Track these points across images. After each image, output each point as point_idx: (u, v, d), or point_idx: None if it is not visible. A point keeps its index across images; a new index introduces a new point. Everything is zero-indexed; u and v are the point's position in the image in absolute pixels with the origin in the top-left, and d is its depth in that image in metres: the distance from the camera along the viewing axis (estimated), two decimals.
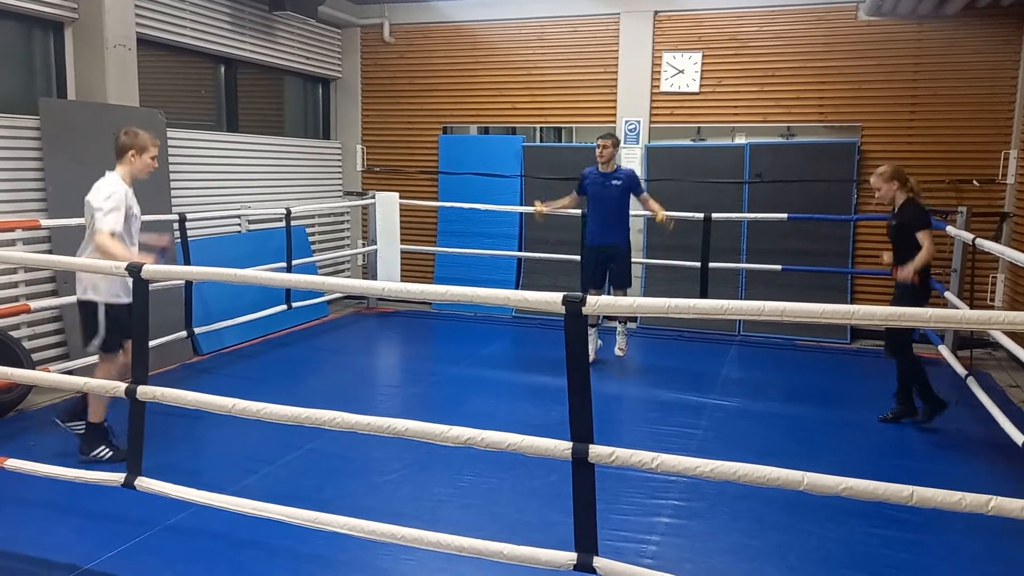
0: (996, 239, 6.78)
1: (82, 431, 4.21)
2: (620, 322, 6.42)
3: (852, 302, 7.51)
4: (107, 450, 4.18)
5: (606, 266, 6.24)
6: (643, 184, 6.40)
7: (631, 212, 6.34)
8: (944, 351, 6.05)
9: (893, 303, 5.02)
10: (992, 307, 7.13)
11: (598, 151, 6.12)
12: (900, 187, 4.83)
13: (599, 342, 6.53)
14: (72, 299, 4.79)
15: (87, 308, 4.08)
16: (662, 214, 6.09)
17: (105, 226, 3.89)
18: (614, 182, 6.12)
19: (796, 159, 7.68)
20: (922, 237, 4.69)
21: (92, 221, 3.98)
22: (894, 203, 4.90)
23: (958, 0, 6.51)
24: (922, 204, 4.88)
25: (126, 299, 4.11)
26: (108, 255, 3.85)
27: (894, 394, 5.07)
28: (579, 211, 6.88)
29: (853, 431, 4.95)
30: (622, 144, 8.09)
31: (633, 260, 6.54)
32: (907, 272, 4.67)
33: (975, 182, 7.19)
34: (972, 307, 6.18)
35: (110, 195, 3.96)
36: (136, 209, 4.14)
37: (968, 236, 5.38)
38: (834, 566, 3.29)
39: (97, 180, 4.08)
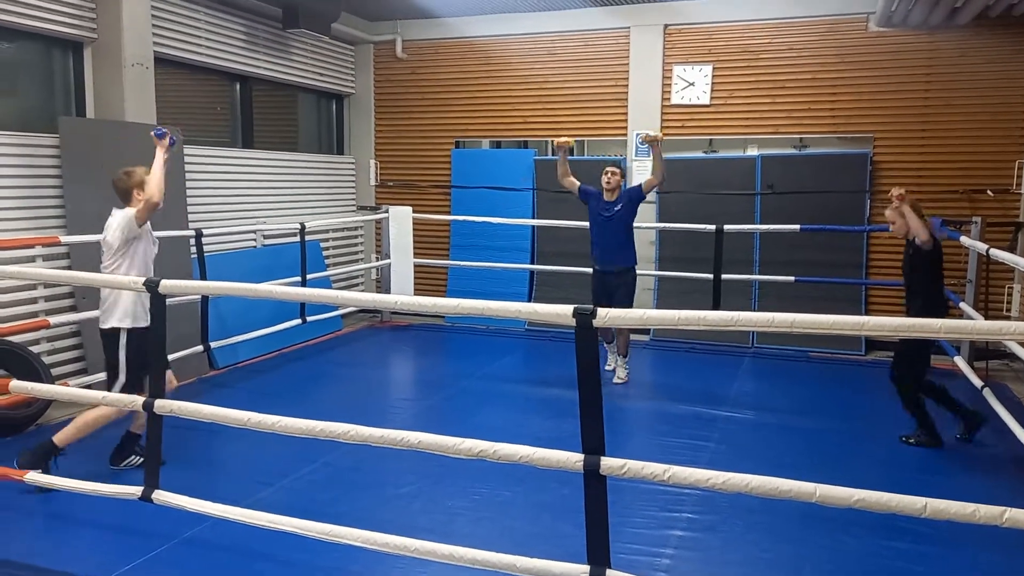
0: (1011, 249, 6.74)
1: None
2: (621, 355, 6.38)
3: (866, 313, 7.48)
4: (137, 458, 4.23)
5: (612, 291, 6.16)
6: (637, 184, 6.28)
7: (644, 224, 6.32)
8: (960, 362, 6.00)
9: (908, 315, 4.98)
10: (1008, 318, 7.07)
11: (606, 179, 6.09)
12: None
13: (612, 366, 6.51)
14: (89, 314, 4.88)
15: (109, 338, 4.10)
16: (649, 134, 5.97)
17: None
18: (616, 208, 6.08)
19: (808, 170, 7.68)
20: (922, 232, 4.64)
21: (111, 253, 4.05)
22: (909, 235, 4.85)
23: (969, 10, 6.51)
24: (935, 235, 4.83)
25: (145, 323, 4.16)
26: (153, 193, 3.96)
27: (916, 423, 4.88)
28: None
29: (867, 443, 4.92)
30: (634, 157, 8.14)
31: (646, 273, 6.51)
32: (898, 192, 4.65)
33: (989, 192, 7.15)
34: (987, 318, 6.13)
35: (121, 222, 4.04)
36: (152, 237, 4.21)
37: (982, 246, 5.35)
38: None
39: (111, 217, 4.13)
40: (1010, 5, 6.41)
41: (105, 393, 3.65)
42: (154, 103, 6.17)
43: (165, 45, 6.50)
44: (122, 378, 4.07)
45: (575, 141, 6.37)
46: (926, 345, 4.78)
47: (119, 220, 4.05)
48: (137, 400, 3.24)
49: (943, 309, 4.83)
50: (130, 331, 4.06)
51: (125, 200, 4.14)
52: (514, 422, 5.30)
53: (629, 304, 6.24)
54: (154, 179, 4.03)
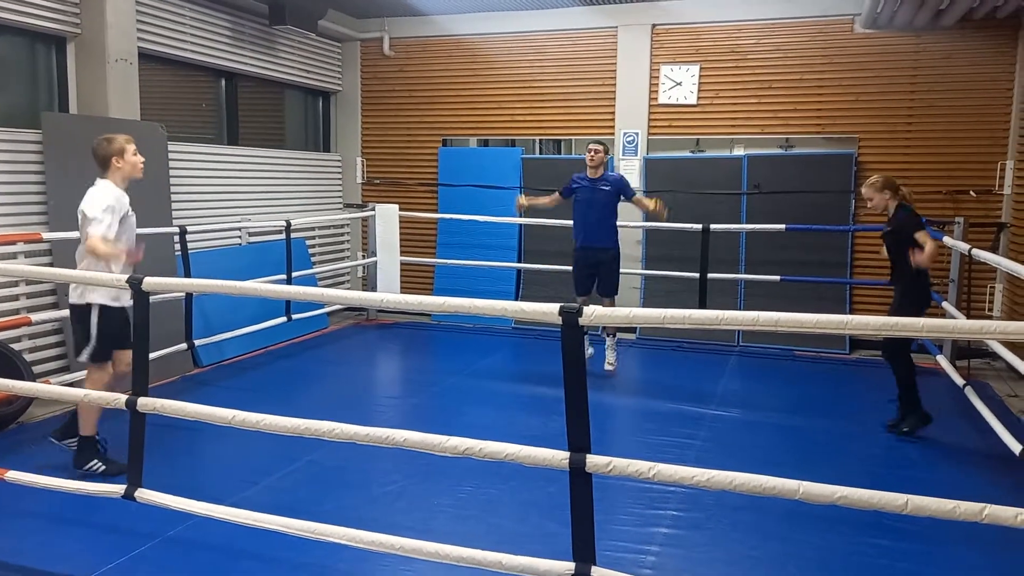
0: (993, 249, 6.81)
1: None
2: (609, 335, 6.45)
3: (851, 312, 7.53)
4: (99, 464, 4.16)
5: (595, 270, 6.25)
6: (632, 187, 6.37)
7: (631, 223, 6.38)
8: (942, 361, 6.06)
9: (891, 313, 5.03)
10: (990, 317, 7.15)
11: (589, 156, 6.16)
12: (892, 196, 4.88)
13: (591, 350, 6.53)
14: None
15: (82, 312, 4.04)
16: (654, 204, 6.17)
17: (98, 231, 3.88)
18: (603, 187, 6.15)
19: (794, 170, 7.73)
20: (921, 237, 4.69)
21: (86, 228, 3.96)
22: (887, 211, 4.95)
23: (954, 12, 6.57)
24: (914, 209, 4.91)
25: (124, 303, 4.11)
26: (99, 255, 3.89)
27: (896, 399, 5.04)
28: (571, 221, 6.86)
29: (852, 441, 4.96)
30: (621, 156, 8.16)
31: (632, 271, 6.56)
32: (923, 258, 4.62)
33: (972, 193, 7.22)
34: (969, 317, 6.19)
35: (103, 201, 3.95)
36: (132, 216, 4.12)
37: (965, 246, 5.40)
38: None
39: (89, 188, 4.06)
40: (994, 7, 6.47)
41: (87, 391, 3.61)
42: (138, 99, 6.12)
43: (149, 41, 6.45)
44: (93, 343, 4.04)
45: (526, 205, 6.67)
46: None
47: (97, 199, 3.95)
48: (120, 398, 3.20)
49: (925, 292, 4.88)
50: (103, 307, 4.02)
51: (103, 167, 4.05)
52: (500, 420, 5.30)
53: (614, 286, 6.30)
54: (108, 251, 3.91)
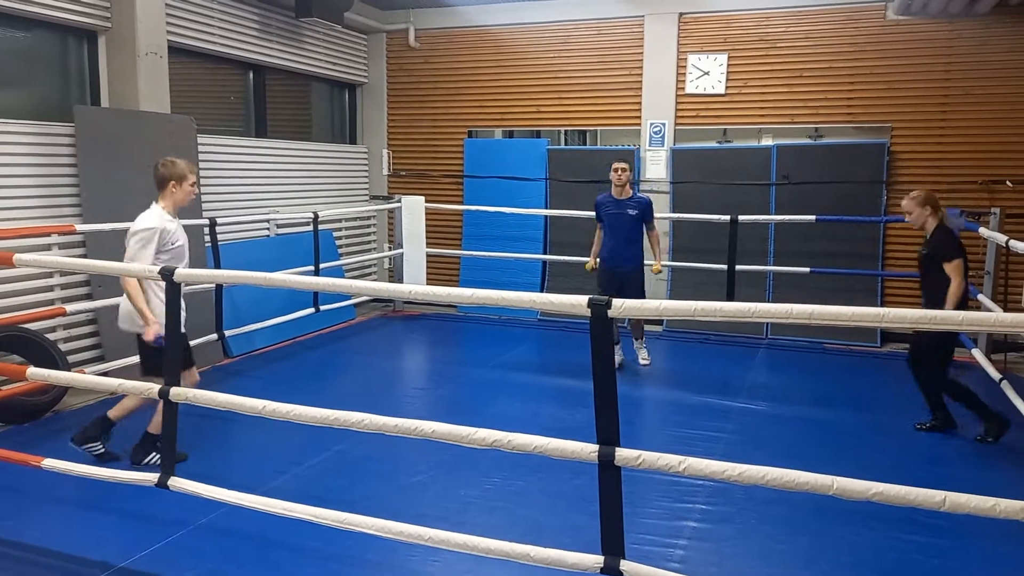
0: None
1: (100, 452, 4.22)
2: (636, 338, 6.49)
3: (882, 305, 7.42)
4: (156, 456, 4.18)
5: (619, 287, 6.14)
6: (654, 218, 6.31)
7: (658, 214, 6.35)
8: (978, 355, 5.94)
9: (918, 342, 4.92)
10: None
11: (616, 176, 6.06)
12: (932, 213, 4.72)
13: (621, 356, 6.47)
14: (105, 302, 4.92)
15: (136, 337, 4.13)
16: (658, 266, 6.32)
17: (127, 256, 3.95)
18: (629, 211, 6.08)
19: (824, 160, 7.61)
20: (951, 271, 4.53)
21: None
22: (925, 229, 4.79)
23: None
24: (954, 233, 4.76)
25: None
26: (128, 289, 3.93)
27: (930, 407, 4.88)
28: None
29: (883, 435, 4.88)
30: (648, 147, 8.09)
31: (661, 263, 6.52)
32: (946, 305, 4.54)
33: (1008, 183, 7.06)
34: (1006, 310, 6.06)
35: (144, 231, 3.98)
36: (182, 241, 4.14)
37: (1002, 238, 5.28)
38: (865, 572, 3.25)
39: (142, 210, 4.10)
40: None
41: (121, 381, 3.66)
42: (168, 92, 6.18)
43: (179, 34, 6.50)
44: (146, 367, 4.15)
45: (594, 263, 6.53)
46: (947, 339, 4.73)
47: (140, 225, 4.00)
48: (153, 388, 3.25)
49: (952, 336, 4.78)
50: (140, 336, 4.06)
51: (160, 187, 4.13)
52: (527, 411, 5.30)
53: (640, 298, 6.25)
54: (137, 298, 3.93)
